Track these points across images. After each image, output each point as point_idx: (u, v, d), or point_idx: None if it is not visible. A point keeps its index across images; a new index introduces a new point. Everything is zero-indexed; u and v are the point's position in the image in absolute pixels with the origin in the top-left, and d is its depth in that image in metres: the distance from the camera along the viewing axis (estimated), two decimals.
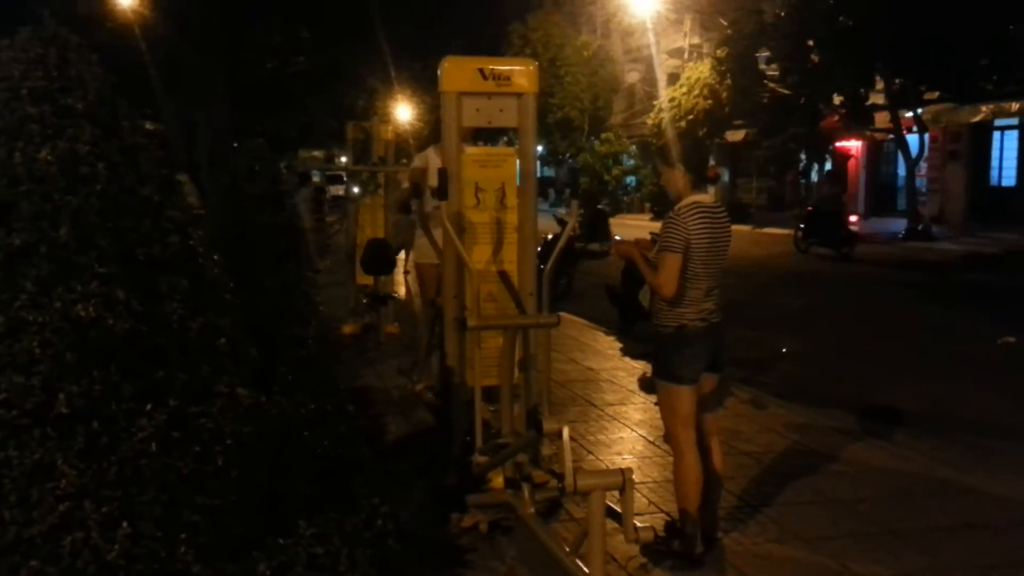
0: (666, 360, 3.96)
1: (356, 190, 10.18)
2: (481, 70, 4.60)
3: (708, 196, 4.03)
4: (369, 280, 8.80)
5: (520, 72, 4.68)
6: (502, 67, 4.66)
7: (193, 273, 2.86)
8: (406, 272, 7.97)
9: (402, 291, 10.46)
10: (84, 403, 2.46)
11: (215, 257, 3.08)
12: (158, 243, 2.74)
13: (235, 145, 15.34)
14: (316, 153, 40.61)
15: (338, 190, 19.37)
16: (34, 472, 2.38)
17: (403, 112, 28.18)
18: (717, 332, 3.99)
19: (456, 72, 4.61)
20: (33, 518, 2.36)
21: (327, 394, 3.90)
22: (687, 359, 3.90)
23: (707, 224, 3.88)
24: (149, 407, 2.57)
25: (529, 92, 4.66)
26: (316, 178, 18.60)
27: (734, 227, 4.22)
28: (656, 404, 4.22)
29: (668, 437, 4.09)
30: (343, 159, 14.86)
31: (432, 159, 5.74)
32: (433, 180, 4.96)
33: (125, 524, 2.43)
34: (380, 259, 8.09)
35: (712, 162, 4.05)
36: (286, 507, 3.00)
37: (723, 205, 4.13)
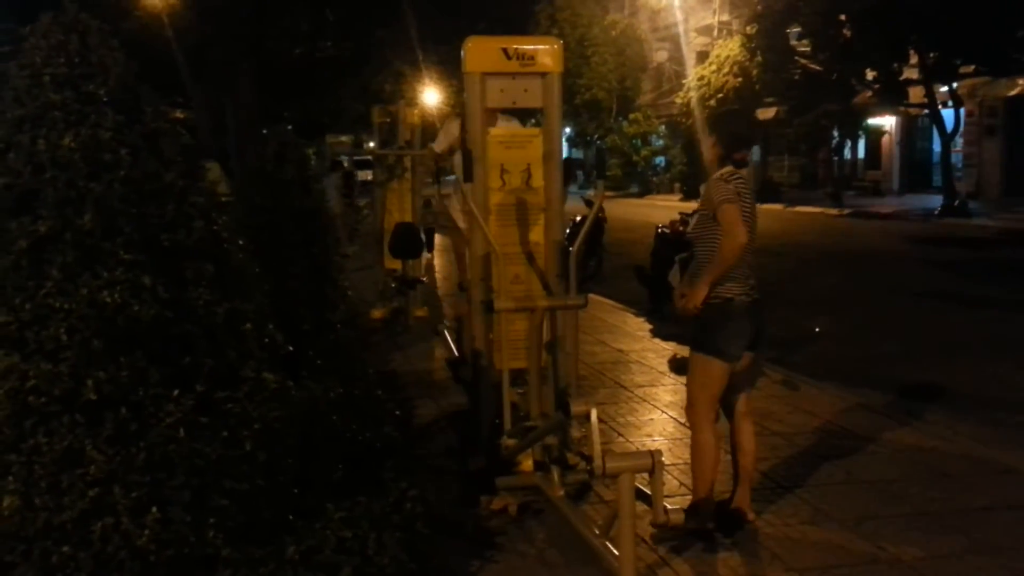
0: (710, 333, 3.90)
1: (368, 176, 10.14)
2: (505, 50, 4.54)
3: (742, 169, 4.00)
4: (397, 264, 8.80)
5: (544, 51, 4.62)
6: (526, 46, 4.60)
7: (218, 258, 2.86)
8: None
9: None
10: (112, 389, 2.47)
11: (240, 242, 3.08)
12: (183, 228, 2.74)
13: (263, 131, 15.41)
14: (344, 138, 40.75)
15: (367, 175, 19.48)
16: (63, 458, 2.40)
17: (430, 95, 28.18)
18: (760, 308, 3.96)
19: (479, 52, 4.56)
20: (63, 504, 2.38)
21: (356, 378, 3.89)
22: (732, 333, 3.86)
23: (746, 194, 3.87)
24: (176, 393, 2.57)
25: (554, 71, 4.60)
26: (345, 162, 18.67)
27: (765, 206, 4.19)
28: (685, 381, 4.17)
29: (689, 410, 4.06)
30: (370, 144, 14.88)
31: (448, 130, 5.79)
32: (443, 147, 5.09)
33: (155, 509, 2.45)
34: (408, 243, 8.09)
35: (749, 150, 4.00)
36: (315, 491, 3.00)
37: (752, 181, 4.10)
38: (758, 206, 4.07)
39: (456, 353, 6.51)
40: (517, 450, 4.34)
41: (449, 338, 7.04)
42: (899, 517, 4.15)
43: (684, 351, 7.42)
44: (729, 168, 3.92)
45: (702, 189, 4.04)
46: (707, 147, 4.04)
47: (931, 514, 4.18)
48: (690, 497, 4.35)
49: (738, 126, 4.18)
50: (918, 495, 4.41)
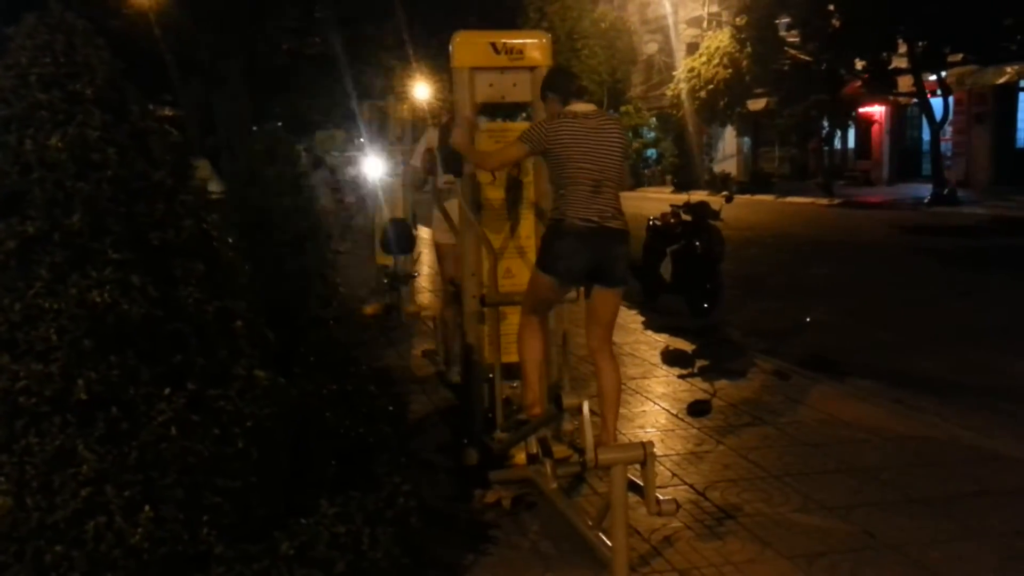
0: (543, 249, 4.18)
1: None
2: (493, 44, 4.56)
3: (585, 106, 4.17)
4: (389, 260, 8.80)
5: (533, 45, 4.63)
6: (514, 40, 4.61)
7: (208, 257, 2.86)
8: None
9: (423, 269, 10.47)
10: (103, 389, 2.48)
11: (230, 240, 3.08)
12: (172, 227, 2.74)
13: (253, 129, 15.38)
14: (336, 133, 40.62)
15: (355, 172, 19.46)
16: (55, 458, 2.40)
17: (420, 90, 28.10)
18: (608, 237, 4.07)
19: (468, 47, 4.57)
20: (56, 504, 2.38)
21: (348, 374, 3.90)
22: (559, 252, 4.06)
23: (575, 130, 4.03)
24: (168, 391, 2.58)
25: (543, 65, 4.61)
26: (336, 158, 18.63)
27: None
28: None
29: (520, 312, 4.36)
30: (360, 140, 14.86)
31: (431, 137, 5.90)
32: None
33: (147, 508, 2.46)
34: (400, 239, 8.09)
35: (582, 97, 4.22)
36: (308, 487, 3.01)
37: (604, 113, 4.38)
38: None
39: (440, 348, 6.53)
40: (510, 444, 4.35)
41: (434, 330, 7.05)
42: (889, 504, 4.18)
43: (677, 343, 7.48)
44: (561, 111, 4.10)
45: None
46: (548, 106, 4.24)
47: (921, 501, 4.21)
48: (683, 488, 4.39)
49: (566, 75, 4.43)
50: (908, 482, 4.44)
